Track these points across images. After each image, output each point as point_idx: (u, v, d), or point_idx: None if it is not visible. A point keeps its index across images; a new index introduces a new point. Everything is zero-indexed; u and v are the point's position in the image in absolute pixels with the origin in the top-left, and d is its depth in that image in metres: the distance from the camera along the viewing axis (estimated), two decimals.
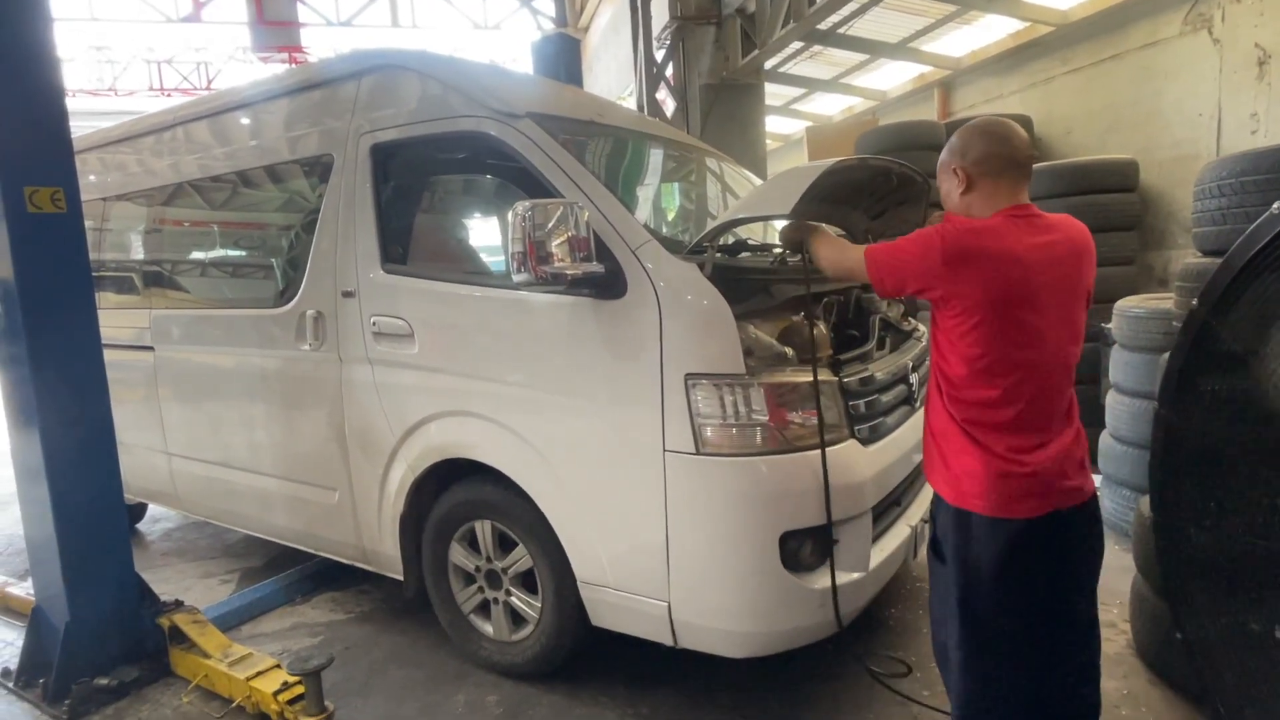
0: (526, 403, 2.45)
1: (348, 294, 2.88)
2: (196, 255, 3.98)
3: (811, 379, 2.17)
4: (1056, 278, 1.69)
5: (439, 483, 2.78)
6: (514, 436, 2.48)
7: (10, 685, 2.81)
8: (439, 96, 2.73)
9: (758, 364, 2.18)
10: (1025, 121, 6.11)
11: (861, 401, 2.40)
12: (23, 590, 3.43)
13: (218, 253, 3.95)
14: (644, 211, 3.36)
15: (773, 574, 2.15)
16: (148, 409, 3.81)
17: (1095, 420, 3.71)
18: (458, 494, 2.73)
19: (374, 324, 2.80)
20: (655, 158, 3.56)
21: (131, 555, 2.92)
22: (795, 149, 11.86)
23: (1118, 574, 2.89)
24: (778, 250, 2.61)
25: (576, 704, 2.58)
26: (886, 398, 2.56)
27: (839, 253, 2.01)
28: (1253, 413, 1.76)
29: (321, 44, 14.95)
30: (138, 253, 4.04)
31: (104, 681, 2.72)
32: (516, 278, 2.15)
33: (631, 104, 8.56)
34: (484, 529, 2.68)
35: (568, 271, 2.11)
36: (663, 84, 7.96)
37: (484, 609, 2.80)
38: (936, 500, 1.88)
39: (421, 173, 3.05)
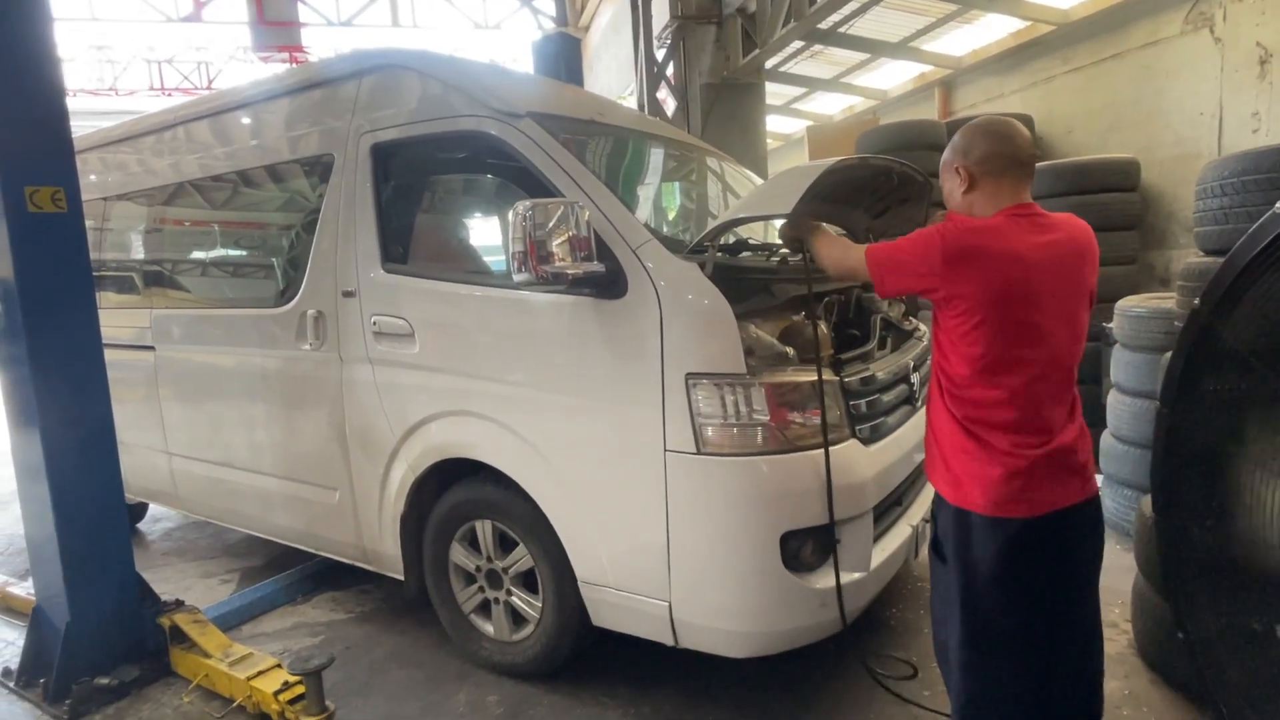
0: (527, 402, 2.45)
1: (348, 294, 2.87)
2: (197, 255, 3.98)
3: (812, 379, 2.17)
4: (1058, 277, 1.68)
5: (440, 482, 2.78)
6: (514, 436, 2.48)
7: (11, 685, 2.81)
8: (439, 96, 2.73)
9: (759, 363, 2.18)
10: (1026, 120, 6.10)
11: (863, 401, 2.39)
12: (23, 590, 3.43)
13: (218, 252, 3.95)
14: (645, 211, 3.36)
15: (774, 574, 2.15)
16: (148, 408, 3.81)
17: (1096, 420, 3.70)
18: (458, 494, 2.73)
19: (374, 324, 2.80)
20: (656, 157, 3.56)
21: (132, 555, 2.92)
22: (796, 148, 11.86)
23: (1119, 574, 2.89)
24: (780, 250, 2.61)
25: (577, 704, 2.58)
26: (888, 397, 2.55)
27: (841, 251, 2.01)
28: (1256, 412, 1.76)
29: (322, 44, 14.96)
30: (138, 252, 4.04)
31: (104, 681, 2.71)
32: (517, 277, 2.14)
33: (632, 103, 8.56)
34: (485, 529, 2.68)
35: (568, 271, 2.11)
36: (663, 83, 7.96)
37: (485, 609, 2.80)
38: (937, 500, 1.87)
39: (422, 172, 3.04)
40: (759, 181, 3.79)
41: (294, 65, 11.48)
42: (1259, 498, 1.79)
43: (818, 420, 2.16)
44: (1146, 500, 2.49)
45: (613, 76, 12.74)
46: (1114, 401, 3.83)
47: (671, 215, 3.77)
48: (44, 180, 2.58)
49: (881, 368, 2.57)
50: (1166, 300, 3.65)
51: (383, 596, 3.47)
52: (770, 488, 2.14)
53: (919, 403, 2.75)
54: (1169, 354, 2.14)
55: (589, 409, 2.33)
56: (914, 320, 3.19)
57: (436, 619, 2.92)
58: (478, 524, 2.70)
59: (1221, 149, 4.95)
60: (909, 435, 2.61)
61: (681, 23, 7.45)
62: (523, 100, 2.66)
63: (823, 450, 2.13)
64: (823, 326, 2.38)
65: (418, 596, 2.94)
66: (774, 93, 9.79)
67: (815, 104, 10.96)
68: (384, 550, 2.96)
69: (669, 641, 2.32)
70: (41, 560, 2.77)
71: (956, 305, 1.68)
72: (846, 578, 2.21)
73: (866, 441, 2.36)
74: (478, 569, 2.76)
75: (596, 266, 2.17)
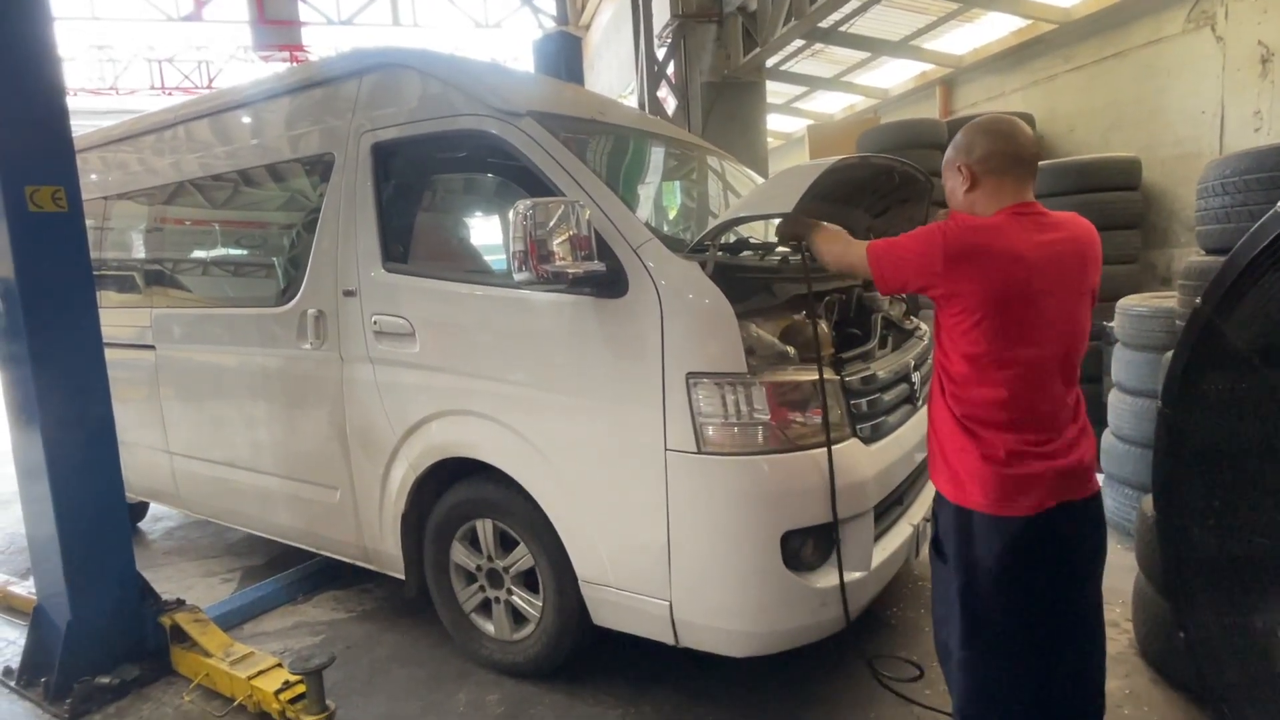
0: (528, 402, 2.45)
1: (349, 293, 2.87)
2: (198, 254, 3.98)
3: (813, 378, 2.17)
4: (1060, 276, 1.68)
5: (440, 482, 2.78)
6: (515, 436, 2.48)
7: (12, 684, 2.81)
8: (440, 95, 2.73)
9: (759, 363, 2.18)
10: (1028, 119, 6.10)
11: (863, 400, 2.39)
12: (24, 589, 3.44)
13: (219, 252, 3.95)
14: (645, 210, 3.36)
15: (774, 573, 2.15)
16: (149, 408, 3.81)
17: (1097, 419, 3.70)
18: (459, 493, 2.73)
19: (375, 323, 2.80)
20: (656, 156, 3.56)
21: (133, 554, 2.92)
22: (797, 147, 11.86)
23: (1120, 573, 2.89)
24: (780, 249, 2.61)
25: (578, 703, 2.58)
26: (888, 396, 2.55)
27: (841, 247, 2.00)
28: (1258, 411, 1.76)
29: (322, 43, 14.96)
30: (139, 251, 4.04)
31: (105, 680, 2.72)
32: (518, 276, 2.14)
33: (633, 102, 8.55)
34: (485, 528, 2.68)
35: (569, 270, 2.11)
36: (664, 82, 7.96)
37: (485, 608, 2.80)
38: (938, 498, 1.87)
39: (423, 171, 3.04)
40: (759, 181, 3.78)
41: (294, 64, 11.49)
42: (1261, 496, 1.78)
43: (818, 419, 2.16)
44: (1148, 499, 2.49)
45: (613, 75, 12.74)
46: (1115, 400, 3.82)
47: (672, 214, 3.77)
48: (44, 180, 2.58)
49: (882, 367, 2.56)
50: (1168, 299, 3.65)
51: (383, 596, 3.47)
52: (771, 487, 2.14)
53: (920, 402, 2.75)
54: (1170, 353, 2.13)
55: (590, 408, 2.33)
56: (915, 319, 3.19)
57: (437, 618, 2.92)
58: (478, 523, 2.70)
59: (1223, 148, 4.94)
60: (910, 434, 2.61)
61: (682, 21, 7.45)
62: (523, 99, 2.66)
63: (823, 449, 2.13)
64: (823, 325, 2.38)
65: (418, 596, 2.94)
66: (775, 91, 9.79)
67: (816, 103, 10.96)
68: (385, 549, 2.96)
69: (669, 641, 2.32)
70: (42, 559, 2.78)
71: (957, 303, 1.68)
72: (847, 577, 2.20)
73: (867, 441, 2.36)
74: (478, 568, 2.76)
75: (597, 266, 2.16)
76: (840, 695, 2.56)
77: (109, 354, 2.83)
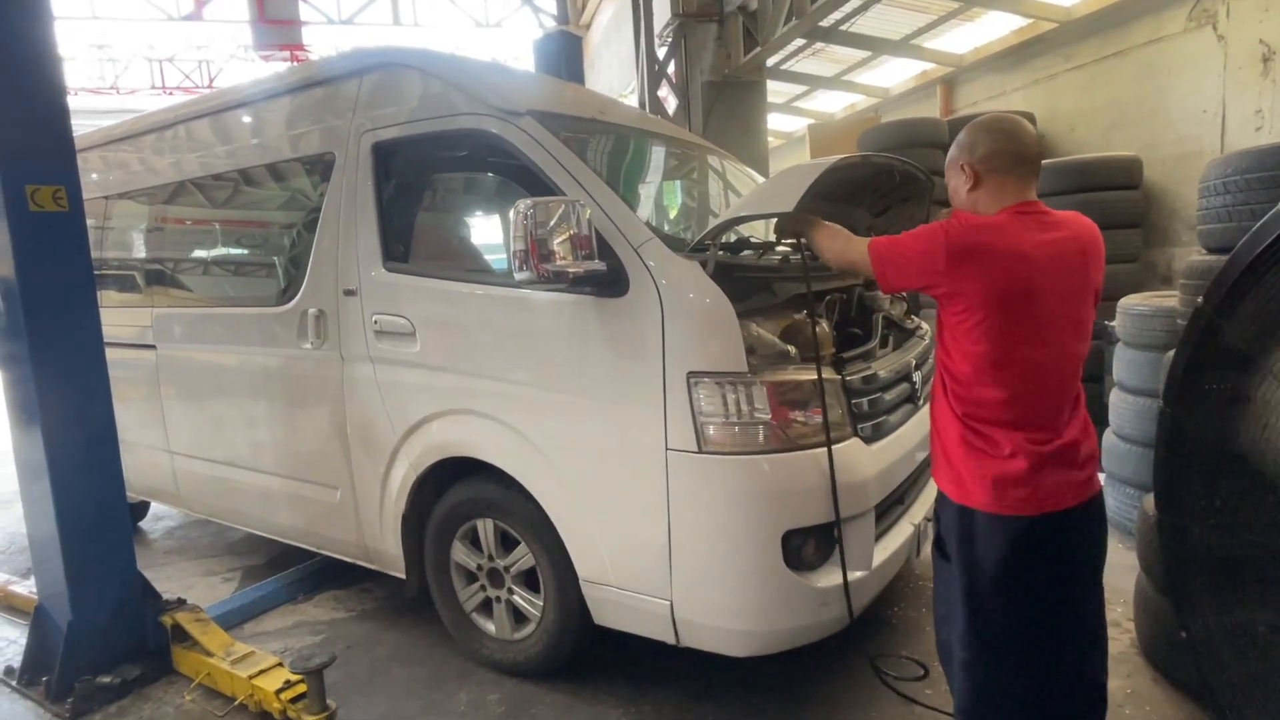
0: (528, 401, 2.45)
1: (349, 292, 2.87)
2: (198, 254, 3.99)
3: (813, 377, 2.17)
4: (1063, 275, 1.68)
5: (441, 481, 2.78)
6: (516, 435, 2.48)
7: (13, 683, 2.81)
8: (440, 94, 2.73)
9: (760, 362, 2.18)
10: (1029, 118, 6.10)
11: (864, 400, 2.39)
12: (25, 589, 3.44)
13: (220, 251, 3.95)
14: (646, 209, 3.36)
15: (775, 572, 2.15)
16: (150, 407, 3.81)
17: (1098, 418, 3.70)
18: (460, 492, 2.73)
19: (375, 322, 2.79)
20: (657, 155, 3.55)
21: (134, 553, 2.92)
22: (797, 146, 11.86)
23: (1121, 572, 2.88)
24: (781, 248, 2.60)
25: (579, 702, 2.58)
26: (889, 396, 2.55)
27: (842, 244, 1.99)
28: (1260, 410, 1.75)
29: (323, 42, 14.96)
30: (140, 251, 4.04)
31: (106, 680, 2.72)
32: (518, 276, 2.14)
33: (633, 101, 8.55)
34: (486, 527, 2.68)
35: (570, 269, 2.11)
36: (664, 81, 7.96)
37: (486, 607, 2.80)
38: (941, 498, 1.87)
39: (423, 171, 3.04)
40: (760, 180, 3.78)
41: (295, 64, 11.49)
42: (1262, 496, 1.78)
43: (819, 419, 2.16)
44: (1149, 498, 2.48)
45: (614, 74, 12.73)
46: (1116, 400, 3.82)
47: (673, 214, 3.77)
48: (45, 179, 2.58)
49: (883, 366, 2.56)
50: (1169, 298, 3.64)
51: (384, 595, 3.47)
52: (772, 486, 2.14)
53: (921, 401, 2.75)
54: (1171, 352, 2.13)
55: (590, 408, 2.33)
56: (916, 318, 3.19)
57: (438, 618, 2.92)
58: (479, 523, 2.70)
59: (1224, 147, 4.94)
60: (910, 434, 2.61)
61: (683, 20, 7.45)
62: (524, 98, 2.65)
63: (824, 449, 2.13)
64: (824, 325, 2.37)
65: (419, 595, 2.94)
66: (775, 90, 9.79)
67: (816, 102, 10.96)
68: (385, 549, 2.96)
69: (670, 640, 2.32)
70: (44, 559, 2.78)
71: (960, 302, 1.68)
72: (849, 576, 2.20)
73: (868, 440, 2.36)
74: (479, 567, 2.75)
75: (598, 265, 2.16)
76: (840, 695, 2.55)
77: (110, 353, 2.83)
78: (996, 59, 7.15)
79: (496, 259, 2.78)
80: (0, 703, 2.74)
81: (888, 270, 1.82)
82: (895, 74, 8.99)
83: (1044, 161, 5.00)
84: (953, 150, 1.81)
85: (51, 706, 2.66)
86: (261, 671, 2.61)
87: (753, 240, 2.81)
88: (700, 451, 2.14)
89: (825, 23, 6.98)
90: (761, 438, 2.14)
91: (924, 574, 3.30)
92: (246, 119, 3.47)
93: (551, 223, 2.08)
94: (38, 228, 2.57)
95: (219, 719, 2.59)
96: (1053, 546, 1.72)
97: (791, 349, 2.24)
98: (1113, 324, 3.93)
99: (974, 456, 1.72)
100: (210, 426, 3.60)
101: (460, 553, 2.78)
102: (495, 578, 2.73)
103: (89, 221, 3.06)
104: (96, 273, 2.91)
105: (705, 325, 2.16)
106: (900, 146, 6.03)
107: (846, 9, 6.62)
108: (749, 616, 2.20)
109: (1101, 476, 3.83)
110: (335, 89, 3.05)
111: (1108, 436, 3.85)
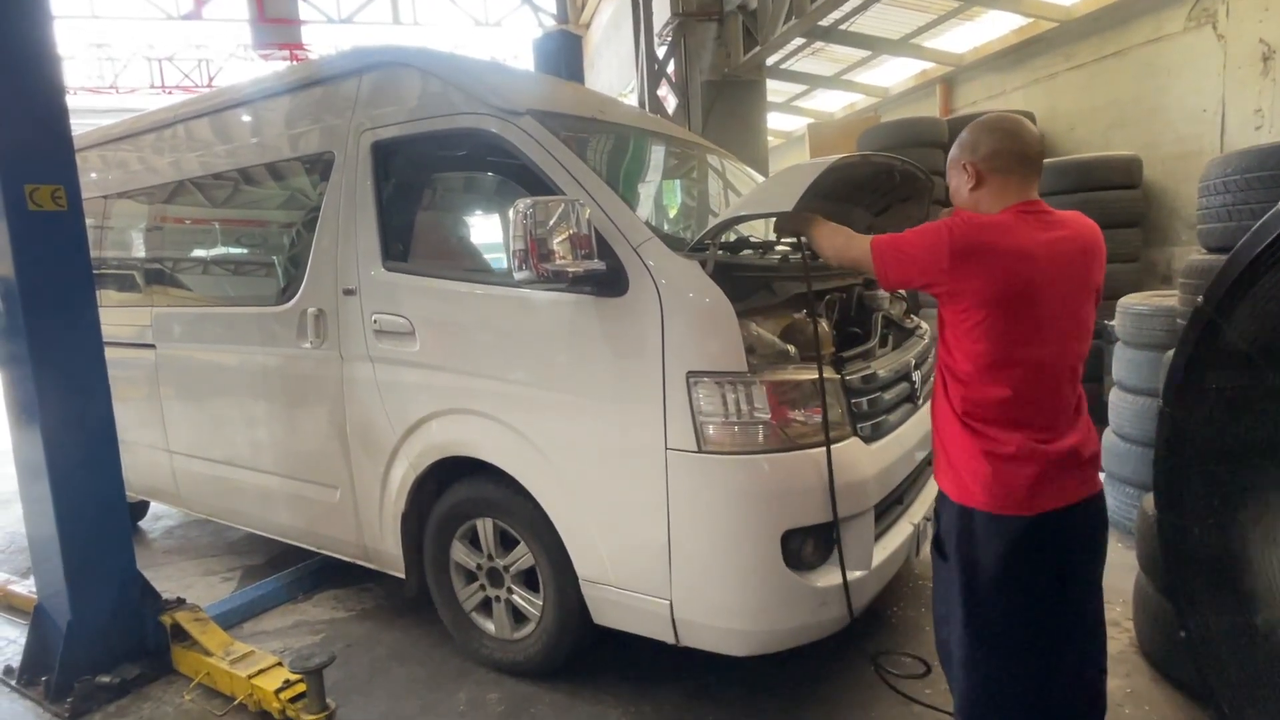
0: (528, 401, 2.45)
1: (349, 292, 2.87)
2: (198, 253, 3.98)
3: (813, 377, 2.16)
4: (1064, 274, 1.68)
5: (440, 481, 2.78)
6: (515, 434, 2.48)
7: (13, 683, 2.81)
8: (440, 94, 2.72)
9: (760, 362, 2.18)
10: (1029, 117, 6.08)
11: (864, 399, 2.39)
12: (25, 588, 3.44)
13: (219, 250, 3.95)
14: (646, 209, 3.36)
15: (775, 572, 2.15)
16: (149, 407, 3.81)
17: (1098, 418, 3.70)
18: (459, 492, 2.73)
19: (375, 322, 2.79)
20: (657, 155, 3.55)
21: (133, 553, 2.92)
22: (797, 146, 11.85)
23: (1121, 572, 2.88)
24: (780, 246, 2.60)
25: (578, 702, 2.58)
26: (889, 395, 2.55)
27: (843, 241, 1.99)
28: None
29: (322, 41, 14.97)
30: (139, 250, 4.04)
31: (106, 679, 2.72)
32: (518, 275, 2.14)
33: (633, 101, 8.55)
34: (485, 527, 2.68)
35: (569, 269, 2.11)
36: (664, 80, 7.95)
37: (486, 607, 2.80)
38: (941, 497, 1.87)
39: (423, 170, 3.04)
40: (759, 179, 3.78)
41: (294, 63, 11.48)
42: (1262, 495, 1.78)
43: (819, 418, 2.16)
44: (1148, 498, 2.48)
45: (613, 74, 12.73)
46: (1116, 399, 3.82)
47: (672, 213, 3.77)
48: (44, 178, 2.58)
49: (883, 365, 2.56)
50: (1169, 298, 3.64)
51: (383, 595, 3.47)
52: (771, 486, 2.14)
53: (920, 400, 2.75)
54: (1171, 351, 2.13)
55: (590, 407, 2.32)
56: (915, 318, 3.19)
57: (437, 617, 2.92)
58: (479, 522, 2.70)
59: (1224, 146, 4.94)
60: (910, 433, 2.61)
61: (682, 20, 7.45)
62: (523, 98, 2.65)
63: (824, 448, 2.12)
64: (824, 324, 2.37)
65: (418, 595, 2.94)
66: (775, 90, 9.78)
67: (816, 101, 10.96)
68: (385, 548, 2.96)
69: (670, 640, 2.32)
70: (43, 559, 2.78)
71: (962, 301, 1.68)
72: (848, 575, 2.20)
73: (868, 440, 2.35)
74: (479, 567, 2.75)
75: (597, 264, 2.16)
76: (841, 695, 2.55)
77: (109, 353, 2.83)
78: (996, 58, 7.15)
79: (496, 258, 2.77)
80: (0, 702, 2.74)
81: (890, 268, 1.81)
82: (895, 73, 8.99)
83: (1044, 161, 5.03)
84: (955, 150, 1.81)
85: (51, 706, 2.66)
86: (261, 671, 2.61)
87: (752, 239, 2.81)
88: (700, 451, 2.14)
89: (825, 22, 6.97)
90: (761, 437, 2.14)
91: (924, 573, 3.30)
92: (246, 118, 3.47)
93: (551, 222, 2.08)
94: (37, 227, 2.57)
95: (218, 718, 2.59)
96: (1052, 546, 1.72)
97: (791, 348, 2.24)
98: (1112, 323, 3.93)
99: (974, 456, 1.72)
100: (210, 426, 3.60)
101: (460, 552, 2.78)
102: (495, 577, 2.72)
103: (88, 221, 3.06)
104: (96, 272, 2.92)
105: (705, 325, 2.16)
106: (900, 146, 6.02)
107: (846, 8, 6.62)
108: (748, 616, 2.20)
109: (1101, 476, 3.84)
110: (335, 88, 3.04)
111: (1108, 436, 3.85)
